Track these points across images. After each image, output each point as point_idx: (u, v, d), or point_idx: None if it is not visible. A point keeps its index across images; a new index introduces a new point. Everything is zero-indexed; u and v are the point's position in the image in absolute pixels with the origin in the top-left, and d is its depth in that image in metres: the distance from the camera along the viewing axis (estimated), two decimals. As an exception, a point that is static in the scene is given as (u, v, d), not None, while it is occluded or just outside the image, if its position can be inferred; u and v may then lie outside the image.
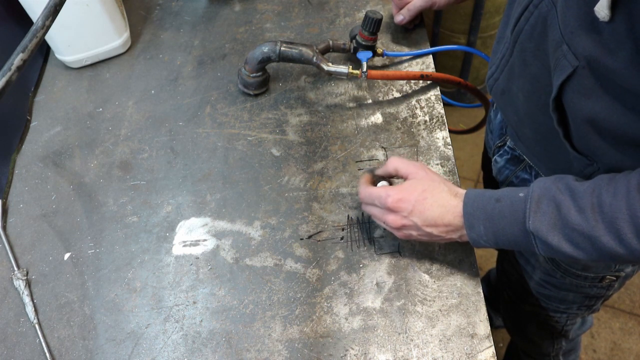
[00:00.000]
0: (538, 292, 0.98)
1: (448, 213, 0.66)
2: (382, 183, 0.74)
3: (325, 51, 0.94)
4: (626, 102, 0.55)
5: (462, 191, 0.67)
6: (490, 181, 0.98)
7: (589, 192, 0.57)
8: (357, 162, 0.86)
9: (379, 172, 0.75)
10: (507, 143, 0.88)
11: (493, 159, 0.93)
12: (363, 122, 0.91)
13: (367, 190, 0.71)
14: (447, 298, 0.72)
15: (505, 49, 0.72)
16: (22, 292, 0.76)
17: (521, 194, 0.61)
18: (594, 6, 0.50)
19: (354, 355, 0.68)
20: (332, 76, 0.92)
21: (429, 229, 0.67)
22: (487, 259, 1.79)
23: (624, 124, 0.56)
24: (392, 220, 0.68)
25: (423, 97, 0.93)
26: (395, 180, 0.78)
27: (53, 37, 0.97)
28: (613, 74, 0.53)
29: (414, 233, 0.69)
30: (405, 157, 0.80)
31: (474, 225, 0.64)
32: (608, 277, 0.86)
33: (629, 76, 0.51)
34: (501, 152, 0.90)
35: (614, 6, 0.49)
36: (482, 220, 0.63)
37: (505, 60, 0.72)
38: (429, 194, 0.67)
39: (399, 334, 0.69)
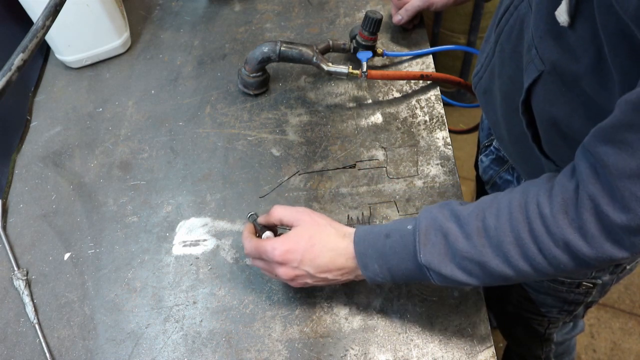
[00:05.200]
0: (518, 294, 0.98)
1: (340, 256, 0.63)
2: (267, 234, 0.70)
3: (325, 51, 0.94)
4: (588, 109, 0.54)
5: (351, 230, 0.65)
6: (480, 180, 0.98)
7: (474, 217, 0.56)
8: (357, 162, 0.86)
9: (262, 220, 0.71)
10: (494, 143, 0.87)
11: (479, 158, 0.93)
12: (363, 122, 0.91)
13: (251, 244, 0.67)
14: (447, 298, 0.71)
15: (489, 48, 0.72)
16: (22, 292, 0.76)
17: (409, 227, 0.60)
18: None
19: (354, 355, 0.68)
20: (332, 76, 0.92)
21: (322, 275, 0.64)
22: (487, 259, 1.79)
23: (586, 131, 0.55)
24: (283, 272, 0.65)
25: (423, 97, 0.93)
26: (280, 229, 0.73)
27: (53, 37, 0.97)
28: (577, 80, 0.52)
29: (309, 281, 0.66)
30: (287, 205, 0.72)
31: (368, 264, 0.62)
32: (584, 283, 0.85)
33: (592, 83, 0.51)
34: (487, 151, 0.90)
35: (575, 12, 0.48)
36: (375, 259, 0.61)
37: (489, 60, 0.72)
38: (316, 239, 0.64)
39: (399, 334, 0.69)
